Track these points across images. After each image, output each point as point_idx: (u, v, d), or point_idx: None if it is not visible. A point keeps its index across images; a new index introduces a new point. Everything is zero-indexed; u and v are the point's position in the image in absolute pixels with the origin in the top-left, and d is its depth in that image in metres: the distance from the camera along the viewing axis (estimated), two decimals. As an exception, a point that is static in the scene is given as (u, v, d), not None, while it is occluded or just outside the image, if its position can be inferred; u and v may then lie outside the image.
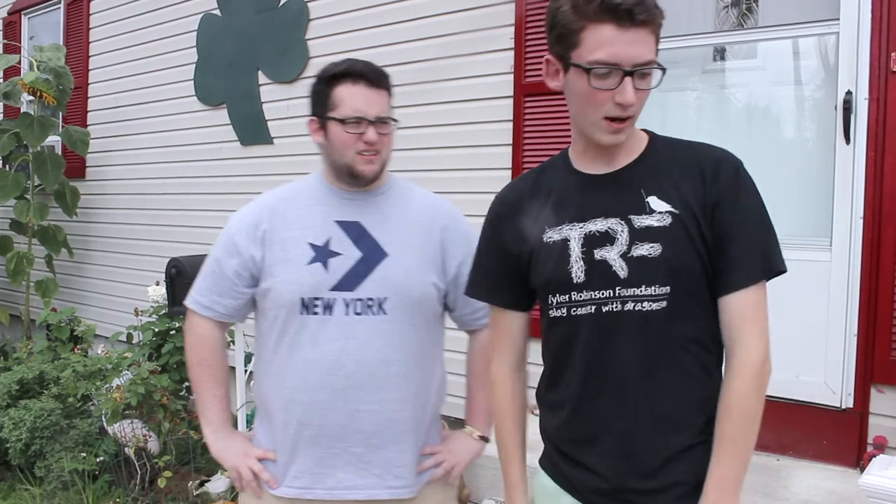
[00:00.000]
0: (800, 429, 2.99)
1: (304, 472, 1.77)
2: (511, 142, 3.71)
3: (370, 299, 1.74)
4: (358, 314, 1.74)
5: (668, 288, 1.34)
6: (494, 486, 3.02)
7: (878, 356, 2.83)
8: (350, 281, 1.74)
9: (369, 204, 1.82)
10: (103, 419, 4.03)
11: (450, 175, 3.88)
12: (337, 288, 1.73)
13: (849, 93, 2.90)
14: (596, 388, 1.40)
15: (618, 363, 1.38)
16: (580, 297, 1.39)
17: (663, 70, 1.32)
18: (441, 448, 1.91)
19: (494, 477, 3.02)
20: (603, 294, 1.38)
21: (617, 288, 1.37)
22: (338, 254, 1.75)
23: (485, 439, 1.98)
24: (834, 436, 2.92)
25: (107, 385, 4.02)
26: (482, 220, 1.57)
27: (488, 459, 3.00)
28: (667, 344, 1.36)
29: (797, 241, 3.05)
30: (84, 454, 3.99)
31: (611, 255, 1.37)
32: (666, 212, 1.36)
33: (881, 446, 2.77)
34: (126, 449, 3.91)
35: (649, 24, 1.27)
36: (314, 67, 4.40)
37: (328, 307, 1.73)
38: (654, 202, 1.37)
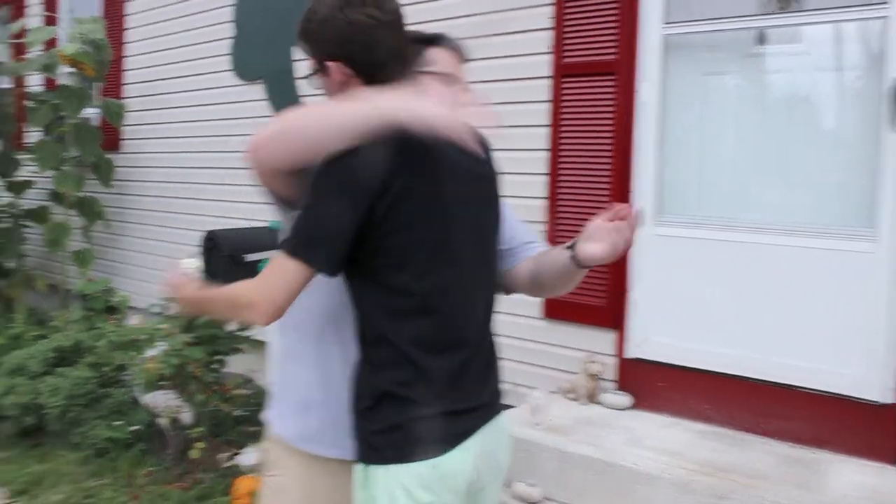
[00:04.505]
0: (837, 423, 2.95)
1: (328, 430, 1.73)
2: (549, 122, 3.66)
3: None
4: None
5: None
6: (525, 470, 3.02)
7: (920, 351, 2.78)
8: None
9: None
10: (138, 389, 4.09)
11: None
12: None
13: (899, 80, 2.82)
14: None
15: None
16: None
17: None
18: None
19: (524, 460, 3.02)
20: None
21: None
22: None
23: None
24: (872, 431, 2.87)
25: (141, 355, 4.07)
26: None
27: (520, 442, 3.00)
28: None
29: (837, 231, 2.99)
30: (118, 423, 4.05)
31: None
32: None
33: (920, 442, 2.73)
34: (159, 419, 3.97)
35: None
36: (351, 44, 4.35)
37: None
38: None
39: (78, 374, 4.17)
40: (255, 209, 4.73)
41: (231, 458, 3.90)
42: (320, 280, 1.59)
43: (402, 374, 1.54)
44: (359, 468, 1.58)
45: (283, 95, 4.93)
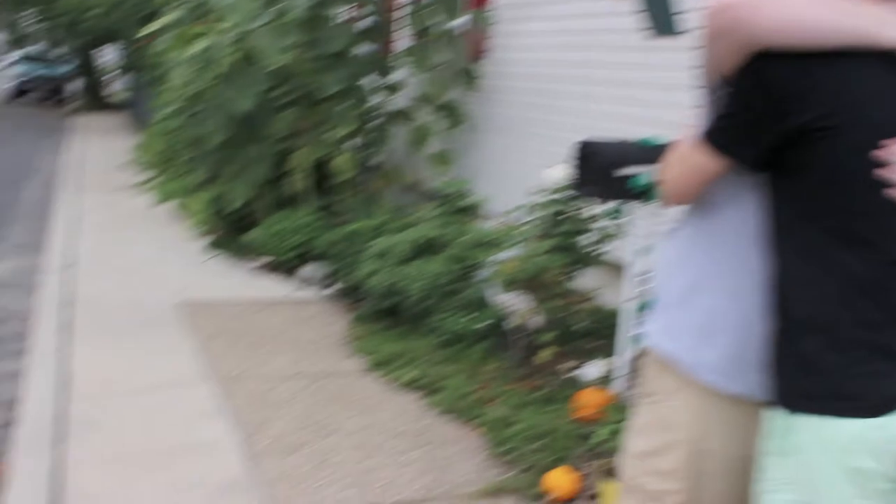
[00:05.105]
0: None
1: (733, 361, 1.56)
2: None
3: None
4: None
5: None
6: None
7: None
8: None
9: None
10: (489, 288, 4.23)
11: None
12: None
13: None
14: None
15: None
16: None
17: None
18: None
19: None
20: None
21: None
22: None
23: None
24: None
25: (497, 256, 4.19)
26: None
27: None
28: None
29: None
30: (469, 317, 4.24)
31: None
32: None
33: None
34: (509, 320, 4.08)
35: None
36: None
37: None
38: None
39: (436, 266, 4.41)
40: (616, 125, 4.60)
41: (573, 368, 3.91)
42: (745, 196, 1.47)
43: (836, 306, 1.32)
44: (777, 413, 1.38)
45: (656, 9, 4.65)
